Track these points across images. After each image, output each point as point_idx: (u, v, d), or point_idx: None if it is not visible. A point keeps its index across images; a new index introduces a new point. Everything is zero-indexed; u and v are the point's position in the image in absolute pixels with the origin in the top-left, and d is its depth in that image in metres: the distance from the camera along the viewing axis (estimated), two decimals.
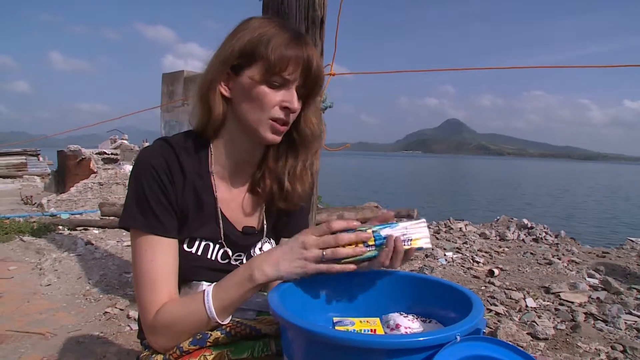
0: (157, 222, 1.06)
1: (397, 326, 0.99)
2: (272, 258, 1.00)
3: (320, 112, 1.25)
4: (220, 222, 1.16)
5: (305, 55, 1.06)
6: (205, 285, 1.10)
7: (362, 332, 0.88)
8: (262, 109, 1.07)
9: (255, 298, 1.17)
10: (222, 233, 1.16)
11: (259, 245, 1.24)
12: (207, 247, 1.16)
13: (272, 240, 1.27)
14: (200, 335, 1.02)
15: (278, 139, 1.13)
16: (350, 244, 0.97)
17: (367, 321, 0.92)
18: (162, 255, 1.07)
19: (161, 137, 1.16)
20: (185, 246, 1.14)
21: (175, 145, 1.13)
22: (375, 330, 0.89)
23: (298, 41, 1.06)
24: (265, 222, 1.24)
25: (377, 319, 0.94)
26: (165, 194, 1.08)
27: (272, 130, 1.10)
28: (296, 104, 1.09)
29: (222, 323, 1.02)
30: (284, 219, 1.27)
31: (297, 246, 0.98)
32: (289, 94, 1.08)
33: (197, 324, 1.01)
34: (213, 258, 1.17)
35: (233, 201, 1.20)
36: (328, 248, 0.96)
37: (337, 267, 0.96)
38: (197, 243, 1.15)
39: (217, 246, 1.17)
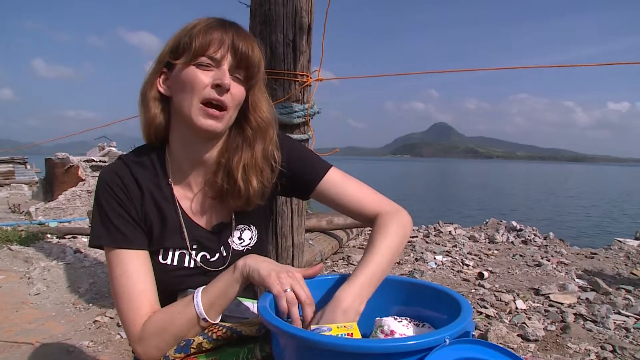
0: (121, 236, 1.08)
1: (392, 332, 1.00)
2: (258, 257, 1.04)
3: (269, 97, 1.21)
4: (185, 230, 1.16)
5: (230, 35, 1.07)
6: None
7: (339, 336, 0.88)
8: (193, 91, 1.05)
9: (246, 308, 1.17)
10: (187, 242, 1.16)
11: (236, 234, 1.23)
12: (182, 255, 1.16)
13: (251, 227, 1.25)
14: (184, 342, 1.02)
15: (216, 124, 1.08)
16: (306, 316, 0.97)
17: (345, 326, 0.92)
18: (132, 267, 1.08)
19: (119, 156, 1.20)
20: (160, 258, 1.14)
21: (128, 160, 1.16)
22: (351, 334, 0.90)
23: (220, 23, 1.08)
24: (233, 213, 1.22)
25: (354, 323, 0.95)
26: (124, 207, 1.10)
27: (205, 114, 1.06)
28: (227, 80, 1.05)
29: (211, 321, 1.01)
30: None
31: (284, 268, 1.00)
32: (220, 72, 1.06)
33: (187, 324, 1.02)
34: (192, 265, 1.16)
35: (197, 204, 1.20)
36: (298, 291, 0.96)
37: (285, 306, 0.94)
38: (170, 253, 1.15)
39: (193, 253, 1.17)
